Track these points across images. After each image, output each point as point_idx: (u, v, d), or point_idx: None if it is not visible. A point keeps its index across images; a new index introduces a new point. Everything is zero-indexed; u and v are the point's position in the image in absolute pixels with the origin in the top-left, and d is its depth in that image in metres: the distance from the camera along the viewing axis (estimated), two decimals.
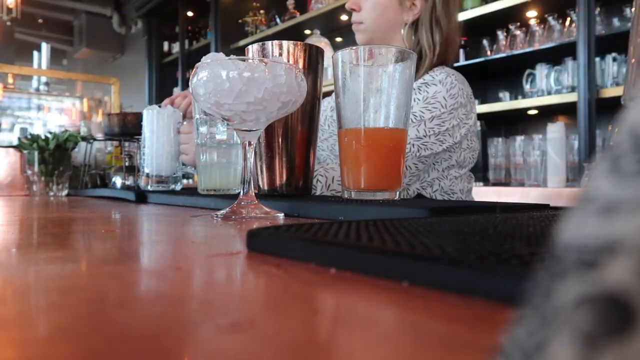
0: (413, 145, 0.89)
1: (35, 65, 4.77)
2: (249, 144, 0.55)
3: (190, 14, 4.24)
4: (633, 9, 0.49)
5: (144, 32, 4.67)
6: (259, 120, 0.53)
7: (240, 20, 3.58)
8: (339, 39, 3.19)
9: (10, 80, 4.25)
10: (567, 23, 2.12)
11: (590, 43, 1.90)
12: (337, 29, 3.16)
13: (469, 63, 2.36)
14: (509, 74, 2.42)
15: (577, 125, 1.94)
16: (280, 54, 0.69)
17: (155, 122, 1.00)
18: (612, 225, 0.07)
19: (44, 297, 0.20)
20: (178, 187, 1.03)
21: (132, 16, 5.13)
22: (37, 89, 4.28)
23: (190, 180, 2.51)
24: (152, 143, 1.01)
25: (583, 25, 1.91)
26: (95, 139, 1.35)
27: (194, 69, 0.52)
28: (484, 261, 0.18)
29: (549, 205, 0.54)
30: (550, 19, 2.17)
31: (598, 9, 1.97)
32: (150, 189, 0.99)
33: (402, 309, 0.18)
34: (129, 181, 1.19)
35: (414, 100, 0.91)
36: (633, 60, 0.48)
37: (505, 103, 2.26)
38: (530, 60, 2.21)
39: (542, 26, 2.21)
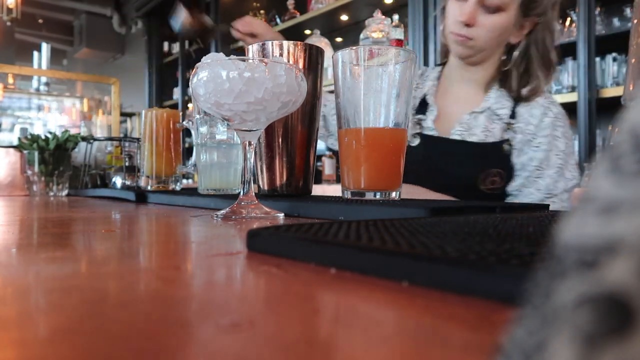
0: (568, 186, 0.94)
1: (35, 65, 4.77)
2: (249, 144, 0.55)
3: None
4: (633, 9, 0.49)
5: (144, 32, 4.67)
6: (259, 120, 0.53)
7: None
8: (339, 39, 3.19)
9: (10, 80, 4.25)
10: (567, 23, 2.12)
11: (590, 43, 1.90)
12: (337, 29, 3.16)
13: None
14: None
15: (577, 125, 1.94)
16: (281, 54, 0.69)
17: (154, 122, 1.00)
18: (612, 225, 0.07)
19: (44, 297, 0.20)
20: (178, 187, 1.03)
21: (132, 16, 5.14)
22: (37, 89, 4.28)
23: (190, 180, 2.51)
24: (151, 143, 1.01)
25: (583, 25, 1.91)
26: (95, 139, 1.35)
27: (194, 69, 0.52)
28: (484, 261, 0.18)
29: (549, 205, 0.54)
30: None
31: (598, 9, 1.97)
32: (150, 189, 0.99)
33: (402, 309, 0.18)
34: (129, 181, 1.19)
35: (555, 138, 0.94)
36: (633, 60, 0.48)
37: None
38: None
39: None
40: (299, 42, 0.69)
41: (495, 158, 0.97)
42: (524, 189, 0.95)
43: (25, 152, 1.26)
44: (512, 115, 0.99)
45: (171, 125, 1.01)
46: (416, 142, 1.02)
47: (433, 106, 1.06)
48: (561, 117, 0.97)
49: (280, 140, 0.69)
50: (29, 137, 1.29)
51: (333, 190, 2.32)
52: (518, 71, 1.00)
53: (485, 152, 0.97)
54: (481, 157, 0.96)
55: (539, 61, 1.00)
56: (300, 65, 0.69)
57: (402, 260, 0.21)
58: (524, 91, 0.99)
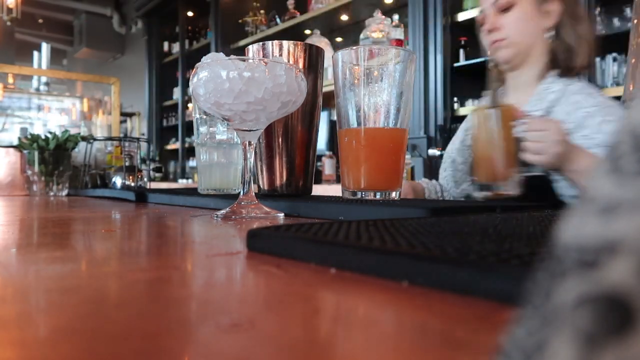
0: None
1: (35, 65, 4.77)
2: (249, 144, 0.55)
3: (190, 14, 4.24)
4: (633, 9, 0.49)
5: (144, 32, 4.67)
6: (259, 120, 0.53)
7: (240, 20, 3.58)
8: (339, 39, 3.19)
9: (10, 80, 4.25)
10: None
11: None
12: (337, 29, 3.16)
13: (469, 63, 2.36)
14: None
15: None
16: (280, 54, 0.69)
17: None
18: (612, 225, 0.07)
19: (44, 297, 0.20)
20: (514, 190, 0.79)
21: (132, 16, 5.14)
22: (37, 89, 4.28)
23: (190, 180, 2.51)
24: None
25: None
26: (95, 139, 1.35)
27: (194, 69, 0.52)
28: (484, 261, 0.18)
29: (549, 205, 0.54)
30: None
31: (598, 9, 1.97)
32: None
33: (402, 309, 0.18)
34: (130, 181, 1.18)
35: (605, 123, 0.91)
36: (633, 60, 0.48)
37: None
38: None
39: None
40: (299, 42, 0.69)
41: None
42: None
43: (25, 152, 1.26)
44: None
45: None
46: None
47: None
48: (580, 87, 0.98)
49: (280, 140, 0.69)
50: (29, 137, 1.29)
51: (333, 190, 2.32)
52: (562, 55, 1.01)
53: None
54: None
55: (574, 36, 1.01)
56: (300, 65, 0.69)
57: (402, 260, 0.21)
58: (571, 71, 1.01)
